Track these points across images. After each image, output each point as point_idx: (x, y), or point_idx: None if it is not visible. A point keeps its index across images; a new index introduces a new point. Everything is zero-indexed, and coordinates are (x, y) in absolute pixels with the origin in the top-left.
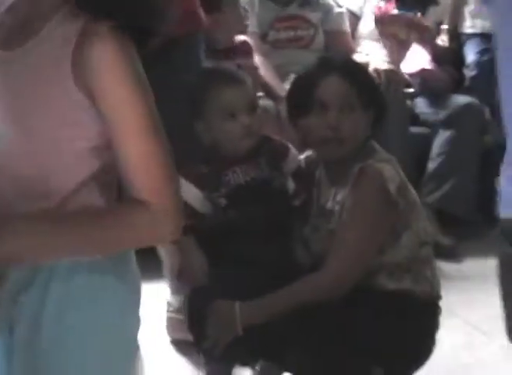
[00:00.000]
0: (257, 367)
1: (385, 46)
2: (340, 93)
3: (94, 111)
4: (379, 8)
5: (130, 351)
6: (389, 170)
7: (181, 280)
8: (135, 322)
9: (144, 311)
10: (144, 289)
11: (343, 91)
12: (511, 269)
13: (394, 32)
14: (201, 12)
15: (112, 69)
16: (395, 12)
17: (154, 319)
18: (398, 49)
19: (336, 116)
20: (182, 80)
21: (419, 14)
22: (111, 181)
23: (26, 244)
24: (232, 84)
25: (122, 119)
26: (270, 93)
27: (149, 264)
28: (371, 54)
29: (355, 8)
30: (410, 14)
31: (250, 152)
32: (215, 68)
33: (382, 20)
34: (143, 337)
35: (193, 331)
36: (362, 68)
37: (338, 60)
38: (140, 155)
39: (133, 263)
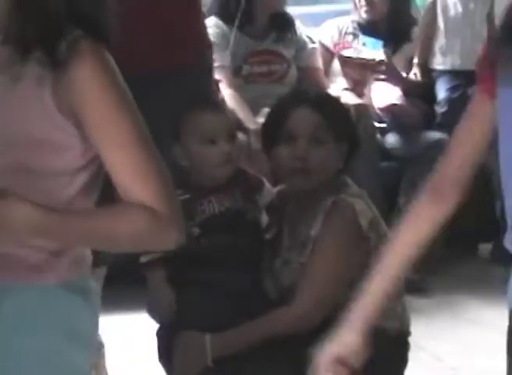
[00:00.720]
0: None
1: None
2: (310, 124)
3: (76, 132)
4: (336, 45)
5: None
6: (361, 205)
7: (149, 315)
8: (86, 351)
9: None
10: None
11: (313, 123)
12: None
13: (347, 72)
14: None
15: (94, 87)
16: (350, 51)
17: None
18: (354, 87)
19: (304, 147)
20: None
21: (380, 52)
22: (97, 186)
23: (35, 225)
24: (214, 111)
25: (109, 135)
26: (240, 126)
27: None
28: (344, 89)
29: (330, 44)
30: (365, 55)
31: (226, 183)
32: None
33: (338, 60)
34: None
35: (163, 362)
36: (335, 101)
37: (310, 93)
38: (134, 167)
39: (94, 292)
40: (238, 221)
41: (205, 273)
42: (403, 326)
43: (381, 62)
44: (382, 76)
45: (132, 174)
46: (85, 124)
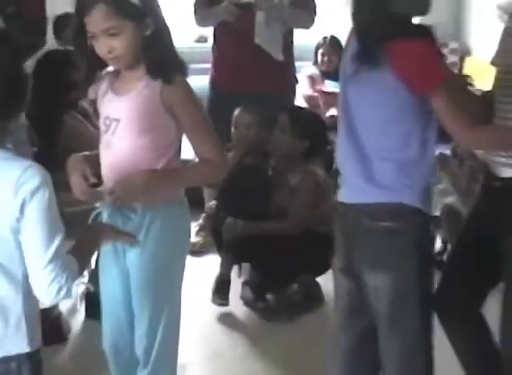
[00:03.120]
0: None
1: None
2: (283, 126)
3: (172, 122)
4: (316, 85)
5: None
6: (319, 170)
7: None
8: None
9: None
10: None
11: (286, 122)
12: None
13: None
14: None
15: (183, 98)
16: (326, 88)
17: None
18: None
19: (276, 135)
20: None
21: None
22: (180, 153)
23: (160, 185)
24: (248, 110)
25: (192, 122)
26: None
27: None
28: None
29: (310, 83)
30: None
31: (251, 151)
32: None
33: (319, 94)
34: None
35: (215, 240)
36: (309, 116)
37: (293, 107)
38: (205, 139)
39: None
40: (259, 170)
41: (238, 195)
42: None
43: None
44: None
45: (203, 144)
46: (178, 117)
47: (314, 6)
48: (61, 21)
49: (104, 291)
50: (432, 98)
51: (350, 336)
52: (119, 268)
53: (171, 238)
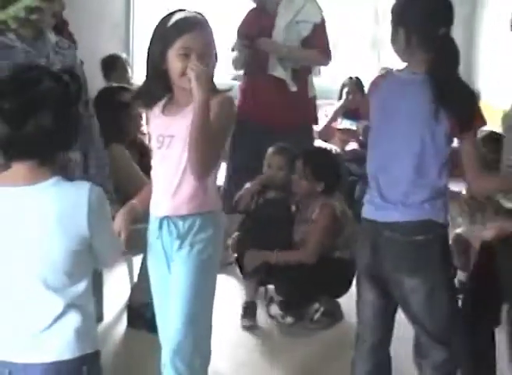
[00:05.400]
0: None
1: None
2: (299, 169)
3: None
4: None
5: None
6: (337, 204)
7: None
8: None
9: None
10: None
11: (300, 168)
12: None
13: (340, 137)
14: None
15: (219, 104)
16: (340, 126)
17: None
18: (342, 144)
19: (295, 179)
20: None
21: (353, 125)
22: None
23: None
24: (278, 152)
25: (216, 127)
26: None
27: None
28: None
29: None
30: (346, 126)
31: (278, 187)
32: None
33: (337, 131)
34: None
35: (239, 264)
36: (322, 156)
37: (307, 151)
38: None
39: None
40: (282, 203)
41: (264, 228)
42: (353, 257)
43: (352, 129)
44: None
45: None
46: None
47: (326, 43)
48: (108, 62)
49: (157, 291)
50: (465, 140)
51: (371, 340)
52: (168, 268)
53: (211, 241)
